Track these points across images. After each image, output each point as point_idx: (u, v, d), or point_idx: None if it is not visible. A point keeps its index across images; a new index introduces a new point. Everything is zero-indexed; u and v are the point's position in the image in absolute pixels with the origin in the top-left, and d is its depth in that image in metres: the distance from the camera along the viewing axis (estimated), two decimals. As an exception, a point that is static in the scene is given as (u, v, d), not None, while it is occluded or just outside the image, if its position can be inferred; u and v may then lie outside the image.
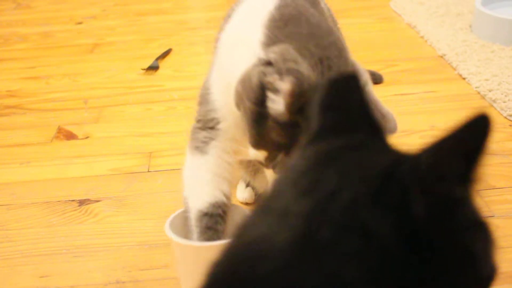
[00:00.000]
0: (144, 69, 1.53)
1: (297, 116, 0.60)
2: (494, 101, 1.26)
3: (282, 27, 0.65)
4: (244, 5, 0.74)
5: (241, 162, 0.88)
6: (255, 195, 0.97)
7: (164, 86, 1.45)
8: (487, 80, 1.33)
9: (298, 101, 0.59)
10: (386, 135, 0.41)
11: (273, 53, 0.62)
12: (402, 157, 0.38)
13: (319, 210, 0.34)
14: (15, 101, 1.43)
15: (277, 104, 0.61)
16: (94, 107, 1.37)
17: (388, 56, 1.54)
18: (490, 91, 1.29)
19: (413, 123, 1.20)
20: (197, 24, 1.94)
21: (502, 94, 1.27)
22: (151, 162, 1.12)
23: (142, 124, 1.28)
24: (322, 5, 0.75)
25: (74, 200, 1.02)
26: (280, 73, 0.60)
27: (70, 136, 1.24)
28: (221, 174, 0.77)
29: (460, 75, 1.40)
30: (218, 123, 0.76)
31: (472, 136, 0.34)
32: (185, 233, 0.77)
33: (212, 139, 0.76)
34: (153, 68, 1.55)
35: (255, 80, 0.62)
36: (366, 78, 0.74)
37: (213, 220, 0.75)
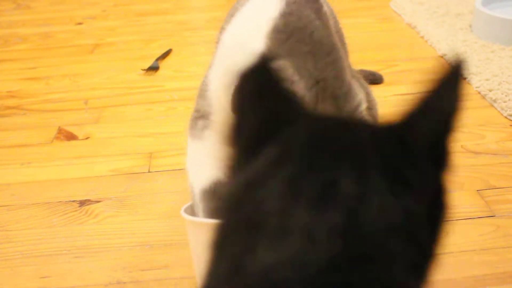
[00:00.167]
0: (144, 70, 1.53)
1: None
2: (494, 101, 1.26)
3: (284, 40, 0.65)
4: (248, 6, 0.74)
5: None
6: None
7: (164, 87, 1.45)
8: (487, 80, 1.34)
9: None
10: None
11: None
12: (380, 129, 0.38)
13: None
14: (16, 101, 1.43)
15: None
16: (94, 107, 1.37)
17: (388, 56, 1.53)
18: (490, 91, 1.29)
19: (414, 123, 1.20)
20: (198, 24, 1.94)
21: (502, 94, 1.27)
22: (152, 162, 1.12)
23: (143, 125, 1.28)
24: (325, 8, 0.75)
25: (74, 200, 1.02)
26: None
27: (70, 136, 1.24)
28: (220, 157, 0.78)
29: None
30: (212, 115, 0.78)
31: (450, 93, 0.35)
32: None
33: (207, 127, 0.77)
34: (153, 68, 1.55)
35: None
36: (360, 99, 0.74)
37: (217, 198, 0.76)
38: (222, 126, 0.76)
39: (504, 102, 1.24)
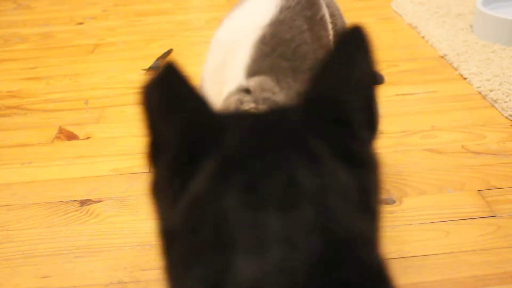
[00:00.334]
0: (145, 70, 1.53)
1: None
2: (495, 101, 1.26)
3: (268, 54, 0.67)
4: (244, 7, 0.75)
5: None
6: None
7: (165, 87, 1.45)
8: (488, 80, 1.34)
9: None
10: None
11: (252, 82, 0.64)
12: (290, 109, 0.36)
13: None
14: (16, 101, 1.43)
15: None
16: (95, 107, 1.37)
17: (389, 57, 1.53)
18: (491, 91, 1.29)
19: (414, 123, 1.20)
20: (198, 24, 1.94)
21: (503, 94, 1.27)
22: (152, 162, 1.12)
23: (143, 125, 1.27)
24: (324, 12, 0.76)
25: (75, 200, 1.02)
26: (257, 102, 0.62)
27: (71, 136, 1.24)
28: None
29: (461, 75, 1.40)
30: None
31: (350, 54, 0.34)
32: None
33: None
34: (154, 68, 1.55)
35: (232, 107, 0.64)
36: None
37: None
38: None
39: (505, 102, 1.24)
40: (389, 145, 1.12)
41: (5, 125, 1.31)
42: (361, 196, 0.33)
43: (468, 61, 1.44)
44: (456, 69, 1.43)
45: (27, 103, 1.41)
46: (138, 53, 1.68)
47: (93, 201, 1.02)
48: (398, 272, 0.79)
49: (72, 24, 1.97)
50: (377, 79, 0.36)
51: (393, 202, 0.97)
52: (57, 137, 1.24)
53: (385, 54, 1.55)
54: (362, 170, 0.34)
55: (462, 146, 1.11)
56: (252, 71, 0.67)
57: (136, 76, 1.52)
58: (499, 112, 1.23)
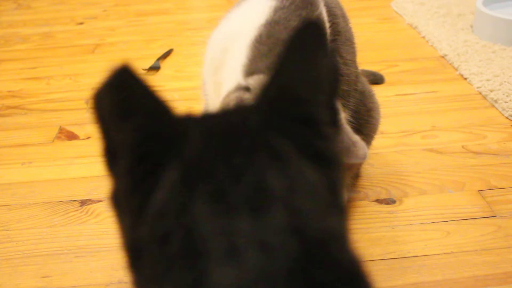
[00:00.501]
0: (145, 70, 1.53)
1: None
2: (495, 101, 1.26)
3: (264, 54, 0.67)
4: (240, 8, 0.76)
5: None
6: None
7: (165, 87, 1.45)
8: (488, 80, 1.33)
9: None
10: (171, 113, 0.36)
11: (252, 80, 0.64)
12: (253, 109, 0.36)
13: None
14: (17, 101, 1.43)
15: None
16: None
17: (389, 57, 1.53)
18: (491, 91, 1.29)
19: (415, 123, 1.20)
20: (198, 24, 1.94)
21: (503, 94, 1.27)
22: (153, 162, 1.12)
23: (144, 125, 1.27)
24: (321, 10, 0.76)
25: (75, 200, 1.02)
26: None
27: (71, 136, 1.24)
28: None
29: (462, 75, 1.40)
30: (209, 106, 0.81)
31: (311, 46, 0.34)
32: None
33: None
34: (154, 68, 1.55)
35: (232, 104, 0.64)
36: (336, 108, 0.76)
37: None
38: None
39: (505, 102, 1.24)
40: (389, 145, 1.12)
41: (5, 125, 1.31)
42: (329, 194, 0.33)
43: (469, 61, 1.44)
44: (456, 69, 1.43)
45: (27, 103, 1.41)
46: (138, 53, 1.68)
47: (93, 201, 1.02)
48: (398, 272, 0.79)
49: (72, 24, 1.97)
50: (336, 75, 0.36)
51: (393, 202, 0.97)
52: (58, 137, 1.24)
53: (385, 54, 1.55)
54: (329, 167, 0.34)
55: (463, 146, 1.11)
56: (250, 71, 0.67)
57: (137, 76, 1.52)
58: (500, 112, 1.23)
